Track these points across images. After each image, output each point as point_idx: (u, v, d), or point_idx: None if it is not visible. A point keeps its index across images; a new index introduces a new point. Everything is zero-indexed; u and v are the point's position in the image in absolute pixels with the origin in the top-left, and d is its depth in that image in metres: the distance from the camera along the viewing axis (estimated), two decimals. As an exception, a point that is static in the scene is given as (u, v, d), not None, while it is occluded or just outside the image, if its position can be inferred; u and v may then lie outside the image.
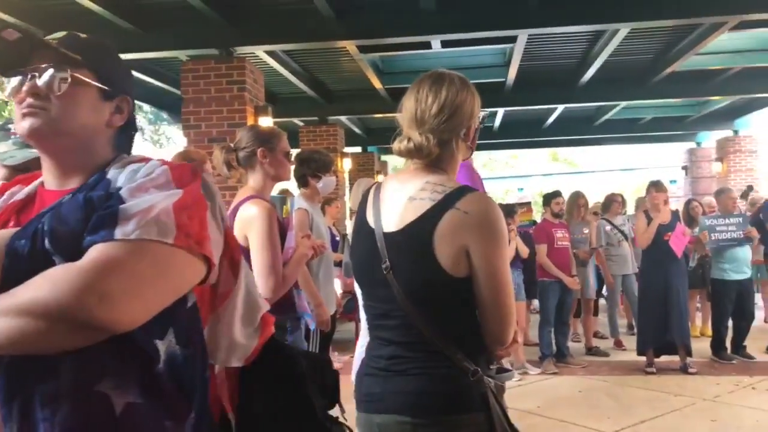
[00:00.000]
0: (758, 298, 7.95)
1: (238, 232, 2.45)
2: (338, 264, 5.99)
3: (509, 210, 6.24)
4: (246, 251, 2.43)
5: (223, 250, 1.09)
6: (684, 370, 5.80)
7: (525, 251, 6.04)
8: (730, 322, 6.33)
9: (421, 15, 6.39)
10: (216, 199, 1.08)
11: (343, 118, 11.57)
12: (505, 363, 5.21)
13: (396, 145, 1.57)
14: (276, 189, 6.88)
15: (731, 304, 6.20)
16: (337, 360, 6.20)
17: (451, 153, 1.57)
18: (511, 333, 1.50)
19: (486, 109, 1.94)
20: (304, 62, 8.63)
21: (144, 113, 19.13)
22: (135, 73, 8.24)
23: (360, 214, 1.62)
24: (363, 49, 7.47)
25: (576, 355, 6.50)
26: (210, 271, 1.03)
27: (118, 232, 0.93)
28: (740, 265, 6.19)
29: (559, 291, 6.15)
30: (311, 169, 3.46)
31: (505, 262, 1.47)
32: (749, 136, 13.33)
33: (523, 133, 14.06)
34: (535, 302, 6.97)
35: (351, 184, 11.66)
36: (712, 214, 6.79)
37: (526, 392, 5.41)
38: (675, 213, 6.04)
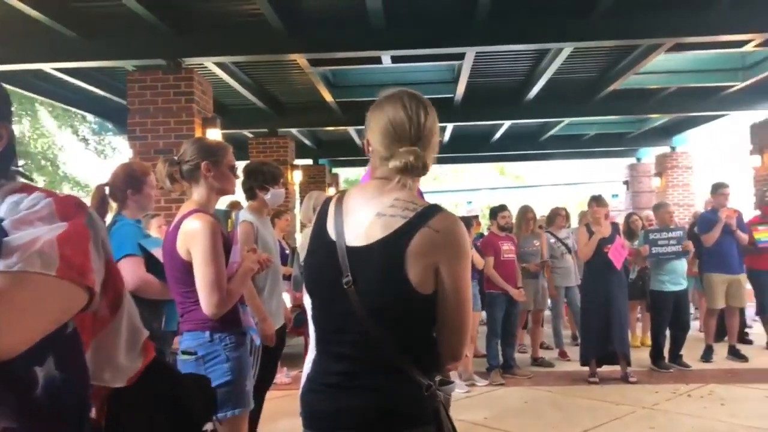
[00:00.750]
0: (694, 309, 8.29)
1: (181, 247, 2.42)
2: (287, 278, 5.95)
3: (467, 222, 6.34)
4: (189, 266, 2.40)
5: (105, 278, 1.12)
6: (625, 379, 5.97)
7: (481, 262, 6.13)
8: (668, 332, 6.57)
9: (371, 30, 6.46)
10: (99, 230, 1.12)
11: (293, 130, 11.54)
12: (453, 374, 5.26)
13: (398, 163, 1.49)
14: (226, 202, 6.82)
15: (669, 315, 6.44)
16: (285, 375, 6.14)
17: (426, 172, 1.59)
18: (466, 348, 1.55)
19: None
20: (254, 74, 8.59)
21: (88, 123, 18.61)
22: (78, 82, 8.03)
23: (319, 226, 1.58)
24: (314, 63, 7.49)
25: (522, 365, 6.61)
26: (92, 300, 1.06)
27: (1, 264, 0.95)
28: (677, 277, 6.44)
29: (506, 303, 6.26)
30: (259, 181, 3.43)
31: (468, 280, 1.49)
32: (685, 153, 13.93)
33: (471, 148, 14.31)
34: (483, 314, 7.08)
35: (302, 197, 11.62)
36: (653, 227, 7.04)
37: (474, 404, 5.47)
38: (615, 226, 6.24)
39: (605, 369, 6.12)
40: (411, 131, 1.51)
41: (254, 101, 9.20)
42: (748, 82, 9.15)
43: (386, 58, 7.45)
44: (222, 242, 2.42)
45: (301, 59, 7.15)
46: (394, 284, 1.43)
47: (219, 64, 7.35)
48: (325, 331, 1.57)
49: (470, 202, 20.35)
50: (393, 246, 1.43)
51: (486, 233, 7.51)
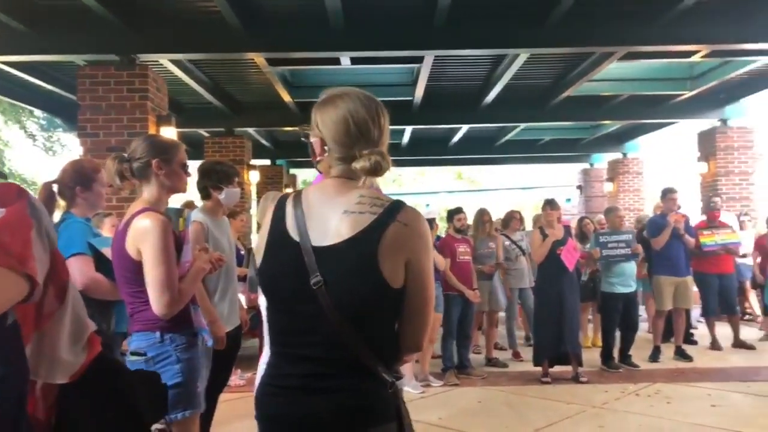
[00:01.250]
0: (642, 310, 8.53)
1: (131, 246, 2.37)
2: (243, 279, 5.87)
3: (429, 224, 6.38)
4: (139, 265, 2.36)
5: (49, 269, 1.08)
6: (576, 379, 6.10)
7: (442, 263, 6.18)
8: (617, 333, 6.75)
9: (330, 31, 6.45)
10: (43, 219, 1.08)
11: (250, 130, 11.43)
12: (411, 377, 5.28)
13: (363, 164, 1.50)
14: (180, 201, 6.70)
15: (618, 316, 6.62)
16: (239, 377, 6.06)
17: None
18: (426, 339, 1.58)
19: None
20: (210, 72, 8.47)
21: (36, 118, 18.03)
22: (26, 76, 7.79)
23: (277, 226, 1.55)
24: (272, 62, 7.44)
25: (477, 366, 6.69)
26: (34, 290, 1.01)
27: None
28: (627, 279, 6.62)
29: (461, 304, 6.33)
30: (213, 180, 3.38)
31: (432, 273, 1.54)
32: (636, 159, 14.34)
33: (429, 151, 14.42)
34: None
35: (258, 197, 11.51)
36: (603, 231, 7.22)
37: (429, 404, 5.51)
38: (567, 229, 6.38)
39: (557, 369, 6.24)
40: (374, 131, 1.53)
41: (210, 100, 9.08)
42: (695, 92, 9.49)
43: (345, 59, 7.45)
44: (173, 241, 2.38)
45: (258, 58, 7.09)
46: (368, 280, 1.43)
47: (174, 62, 7.23)
48: (286, 334, 1.53)
49: (428, 205, 20.46)
50: (366, 242, 1.44)
51: (443, 236, 7.58)
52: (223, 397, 3.76)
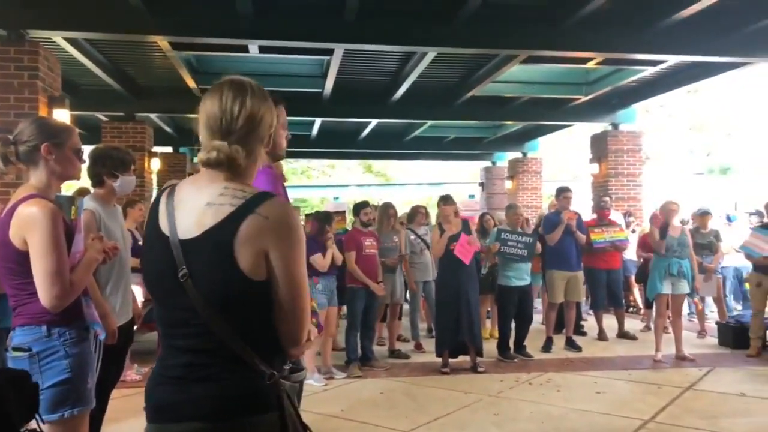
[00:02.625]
0: (538, 303, 8.96)
1: (15, 235, 2.23)
2: (137, 270, 5.64)
3: (327, 217, 6.38)
4: (25, 255, 2.22)
5: None
6: (474, 369, 6.33)
7: (339, 258, 6.20)
8: (513, 325, 7.06)
9: (238, 18, 6.30)
10: None
11: (152, 115, 10.97)
12: (313, 370, 5.28)
13: (202, 156, 1.53)
14: (74, 187, 6.33)
15: (514, 308, 6.92)
16: (136, 372, 5.84)
17: (253, 161, 1.60)
18: (306, 333, 1.56)
19: (283, 120, 1.99)
20: (109, 53, 8.05)
21: None
22: None
23: (152, 219, 1.58)
24: (176, 46, 7.17)
25: (380, 358, 6.79)
26: None
27: None
28: (522, 273, 6.93)
29: (366, 297, 6.40)
30: (107, 167, 3.22)
31: (302, 266, 1.52)
32: (535, 158, 15.00)
33: (339, 144, 14.43)
34: (343, 308, 7.18)
35: (160, 186, 11.07)
36: (506, 228, 7.49)
37: (331, 396, 5.54)
38: (465, 223, 6.58)
39: (456, 360, 6.45)
40: (222, 124, 1.53)
41: (110, 82, 8.64)
42: (590, 96, 10.05)
43: (254, 47, 7.31)
44: (64, 230, 2.26)
45: (162, 42, 6.82)
46: (226, 273, 1.44)
47: (70, 40, 6.81)
48: (168, 326, 1.56)
49: (337, 198, 20.49)
50: (221, 234, 1.45)
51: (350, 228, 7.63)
52: (118, 393, 3.61)
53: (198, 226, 1.48)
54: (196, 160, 1.56)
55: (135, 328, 3.71)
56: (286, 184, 2.70)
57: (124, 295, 3.28)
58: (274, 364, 1.51)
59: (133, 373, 5.77)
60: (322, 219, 6.31)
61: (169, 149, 13.57)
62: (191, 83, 8.58)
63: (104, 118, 10.60)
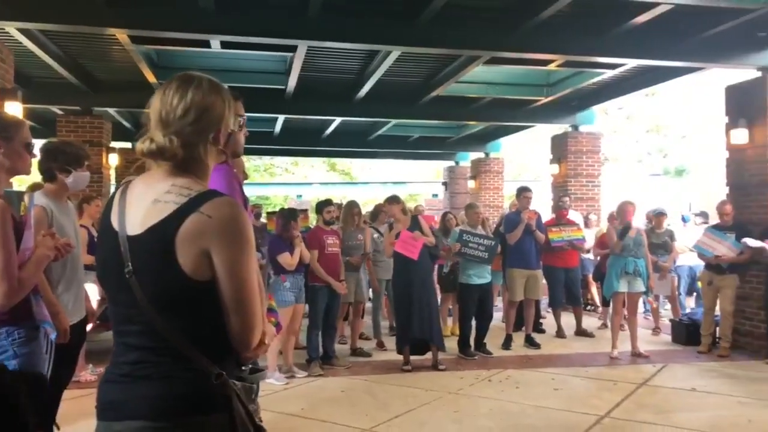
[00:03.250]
0: (498, 301, 9.07)
1: (-39, 230, 2.16)
2: (91, 267, 5.52)
3: (291, 213, 6.33)
4: (-29, 252, 2.15)
5: None
6: (435, 366, 6.38)
7: (308, 256, 6.16)
8: (474, 322, 7.13)
9: (199, 12, 6.21)
10: None
11: (111, 110, 10.73)
12: (274, 369, 5.23)
13: (138, 146, 1.54)
14: (27, 183, 6.14)
15: (474, 306, 7.00)
16: (90, 372, 5.71)
17: (198, 156, 1.56)
18: (257, 336, 1.53)
19: (242, 116, 1.96)
20: (66, 46, 7.84)
21: None
22: None
23: (105, 215, 1.57)
24: (136, 40, 7.02)
25: (341, 356, 6.79)
26: None
27: None
28: (482, 271, 7.01)
29: (328, 295, 6.38)
30: (59, 162, 3.13)
31: (248, 267, 1.49)
32: (497, 159, 15.18)
33: (302, 141, 14.34)
34: (305, 306, 7.13)
35: (118, 182, 10.84)
36: (468, 229, 7.54)
37: (292, 395, 5.51)
38: (414, 219, 6.61)
39: (418, 357, 6.49)
40: (161, 116, 1.53)
41: (65, 75, 8.42)
42: (551, 98, 10.21)
43: (215, 42, 7.21)
44: (12, 226, 2.20)
45: (121, 35, 6.67)
46: (166, 271, 1.43)
47: (24, 31, 6.60)
48: (118, 322, 1.54)
49: (300, 196, 20.41)
50: (163, 232, 1.43)
51: (312, 227, 7.59)
52: (72, 393, 3.53)
53: (143, 222, 1.47)
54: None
55: (90, 327, 3.62)
56: (247, 181, 2.68)
57: (76, 293, 3.20)
58: (225, 364, 1.49)
59: (87, 373, 5.64)
60: (286, 216, 6.27)
61: (128, 145, 13.28)
62: (151, 78, 8.41)
63: (60, 112, 10.32)
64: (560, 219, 8.40)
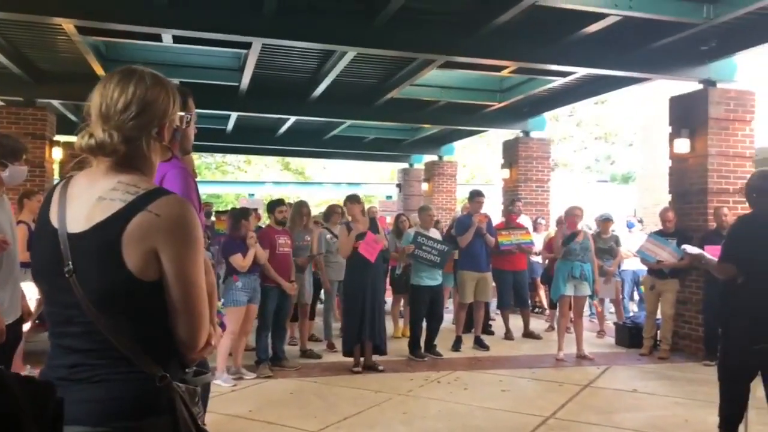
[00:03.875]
0: (449, 303, 9.16)
1: None
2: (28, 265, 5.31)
3: (243, 212, 6.23)
4: None
5: None
6: (374, 368, 6.36)
7: (263, 256, 6.07)
8: (424, 324, 7.17)
9: (151, 5, 6.06)
10: None
11: (55, 102, 10.36)
12: (222, 371, 5.12)
13: (77, 141, 1.49)
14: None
15: (426, 308, 7.04)
16: (28, 373, 5.48)
17: (141, 152, 1.52)
18: (204, 337, 1.50)
19: (191, 112, 1.92)
20: (7, 34, 7.53)
21: None
22: None
23: (43, 212, 1.51)
24: (83, 31, 6.79)
25: (291, 357, 6.73)
26: None
27: None
28: (433, 273, 7.06)
29: (278, 296, 6.31)
30: None
31: (197, 266, 1.46)
32: (451, 162, 15.33)
33: (255, 139, 14.15)
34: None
35: (62, 176, 10.45)
36: (423, 232, 7.57)
37: (240, 397, 5.43)
38: (372, 221, 6.63)
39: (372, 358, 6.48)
40: (102, 110, 1.49)
41: (6, 65, 8.08)
42: (503, 104, 10.37)
43: (167, 36, 7.04)
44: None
45: (67, 25, 6.44)
46: (111, 271, 1.39)
47: (-39, 16, 6.32)
48: (55, 324, 1.48)
49: (252, 195, 20.17)
50: (108, 230, 1.39)
51: (264, 226, 7.50)
52: (4, 396, 3.38)
53: (87, 220, 1.42)
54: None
55: (28, 327, 3.49)
56: (199, 179, 2.62)
57: (12, 292, 3.07)
58: (169, 366, 1.46)
59: (25, 374, 5.42)
60: (236, 215, 6.18)
61: (73, 138, 12.83)
62: (99, 70, 8.15)
63: (1, 103, 9.91)
64: (510, 223, 8.54)
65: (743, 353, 3.56)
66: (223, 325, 2.45)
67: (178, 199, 1.46)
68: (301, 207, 7.27)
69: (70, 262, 1.40)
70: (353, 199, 6.60)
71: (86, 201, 1.44)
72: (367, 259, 6.21)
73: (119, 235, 1.38)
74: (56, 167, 10.59)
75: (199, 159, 27.19)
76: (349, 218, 6.56)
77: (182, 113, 1.63)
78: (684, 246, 4.42)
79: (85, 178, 1.51)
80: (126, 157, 1.48)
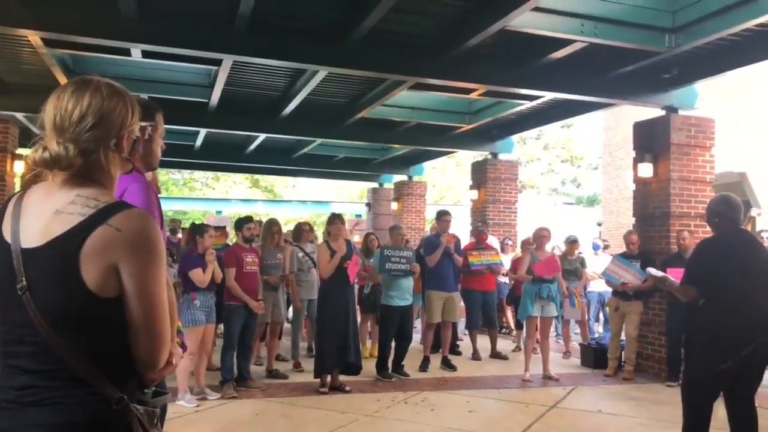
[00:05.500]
0: (417, 323, 9.15)
1: None
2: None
3: (197, 228, 6.14)
4: None
5: None
6: (341, 389, 6.29)
7: (219, 275, 5.98)
8: (393, 344, 7.14)
9: (120, 19, 5.99)
10: None
11: (18, 114, 10.14)
12: (185, 391, 5.01)
13: (32, 154, 1.43)
14: None
15: (395, 328, 7.02)
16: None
17: (100, 165, 1.46)
18: (165, 356, 1.46)
19: (159, 127, 1.89)
20: (-30, 44, 7.37)
21: None
22: None
23: None
24: (49, 43, 6.67)
25: (257, 377, 6.62)
26: None
27: None
28: (404, 293, 7.06)
29: (245, 315, 6.22)
30: None
31: (159, 283, 1.42)
32: (420, 182, 15.43)
33: (224, 156, 14.04)
34: (220, 326, 6.93)
35: (24, 190, 10.19)
36: (388, 246, 7.60)
37: (203, 418, 5.32)
38: (348, 242, 6.62)
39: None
40: (56, 122, 1.44)
41: (-32, 75, 7.91)
42: (472, 125, 10.50)
43: (136, 51, 6.97)
44: None
45: (33, 36, 6.33)
46: (67, 287, 1.34)
47: None
48: (5, 343, 1.41)
49: (220, 212, 19.97)
50: (65, 245, 1.34)
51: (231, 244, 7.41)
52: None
53: (43, 235, 1.36)
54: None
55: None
56: (165, 195, 2.57)
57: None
58: (126, 387, 1.41)
59: None
60: (191, 231, 6.12)
61: (35, 152, 12.58)
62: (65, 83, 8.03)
63: (-40, 114, 9.67)
64: (480, 243, 8.60)
65: (706, 373, 3.62)
66: (183, 346, 2.40)
67: (140, 214, 1.42)
68: (272, 225, 7.21)
69: (23, 279, 1.34)
70: (340, 219, 6.55)
71: (42, 215, 1.39)
72: (347, 279, 6.20)
73: (77, 250, 1.33)
74: (18, 181, 10.35)
75: (166, 175, 26.87)
76: (332, 238, 6.39)
77: (144, 123, 1.60)
78: (648, 269, 4.51)
79: (41, 191, 1.46)
80: (84, 169, 1.44)
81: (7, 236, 1.40)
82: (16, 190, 8.45)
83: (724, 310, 3.59)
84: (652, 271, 4.39)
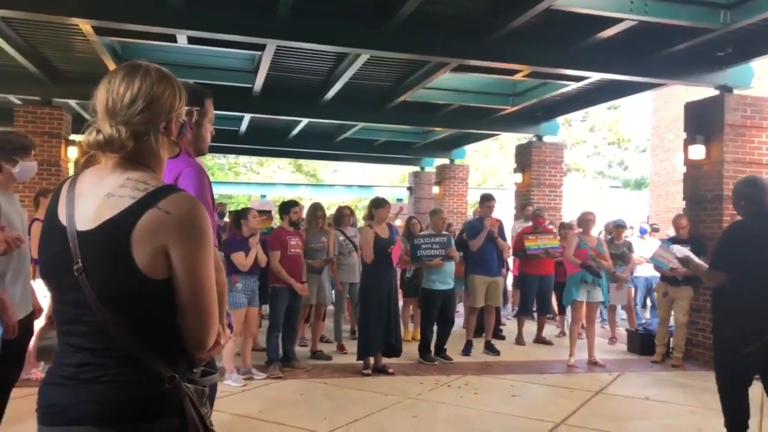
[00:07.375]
0: (460, 307, 9.12)
1: None
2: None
3: (241, 213, 6.22)
4: None
5: None
6: (384, 371, 6.35)
7: (263, 260, 6.07)
8: (435, 328, 7.15)
9: (167, 6, 6.10)
10: None
11: (71, 101, 10.45)
12: (231, 371, 5.13)
13: (85, 138, 1.47)
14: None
15: (437, 312, 7.02)
16: (42, 370, 5.53)
17: (150, 148, 1.50)
18: (213, 337, 1.49)
19: (195, 108, 1.91)
20: (25, 34, 7.60)
21: None
22: None
23: (51, 210, 1.49)
24: (99, 31, 6.84)
25: (301, 359, 6.73)
26: None
27: None
28: (445, 277, 7.04)
29: (289, 297, 6.32)
30: (5, 151, 3.00)
31: (207, 266, 1.44)
32: (462, 165, 15.30)
33: (268, 141, 14.19)
34: (265, 307, 7.06)
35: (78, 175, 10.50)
36: (420, 233, 7.59)
37: (250, 397, 5.44)
38: (390, 226, 6.63)
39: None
40: (108, 105, 1.47)
41: (24, 64, 8.16)
42: (516, 108, 10.33)
43: (182, 37, 7.09)
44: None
45: (84, 25, 6.50)
46: (120, 269, 1.37)
47: (-20, 16, 6.39)
48: (63, 322, 1.47)
49: (264, 196, 20.23)
50: (118, 228, 1.38)
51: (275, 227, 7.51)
52: (19, 392, 3.41)
53: (96, 217, 1.40)
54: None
55: (43, 324, 3.51)
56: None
57: (24, 288, 3.09)
58: (178, 366, 1.45)
59: (39, 371, 5.45)
60: (236, 215, 6.23)
61: (88, 138, 12.94)
62: (114, 70, 8.22)
63: (18, 102, 10.01)
64: (537, 227, 8.45)
65: (734, 358, 3.58)
66: (231, 327, 2.45)
67: (189, 197, 1.45)
68: (316, 209, 7.28)
69: (79, 260, 1.39)
70: (385, 204, 6.60)
71: (94, 198, 1.43)
72: (390, 263, 6.22)
73: (129, 232, 1.36)
74: (71, 166, 10.69)
75: (211, 160, 27.35)
76: (376, 222, 6.44)
77: (189, 107, 1.62)
78: (673, 246, 4.39)
79: (93, 175, 1.50)
80: (134, 152, 1.47)
81: (63, 219, 1.44)
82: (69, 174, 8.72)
83: (749, 292, 3.53)
84: (676, 249, 4.28)
